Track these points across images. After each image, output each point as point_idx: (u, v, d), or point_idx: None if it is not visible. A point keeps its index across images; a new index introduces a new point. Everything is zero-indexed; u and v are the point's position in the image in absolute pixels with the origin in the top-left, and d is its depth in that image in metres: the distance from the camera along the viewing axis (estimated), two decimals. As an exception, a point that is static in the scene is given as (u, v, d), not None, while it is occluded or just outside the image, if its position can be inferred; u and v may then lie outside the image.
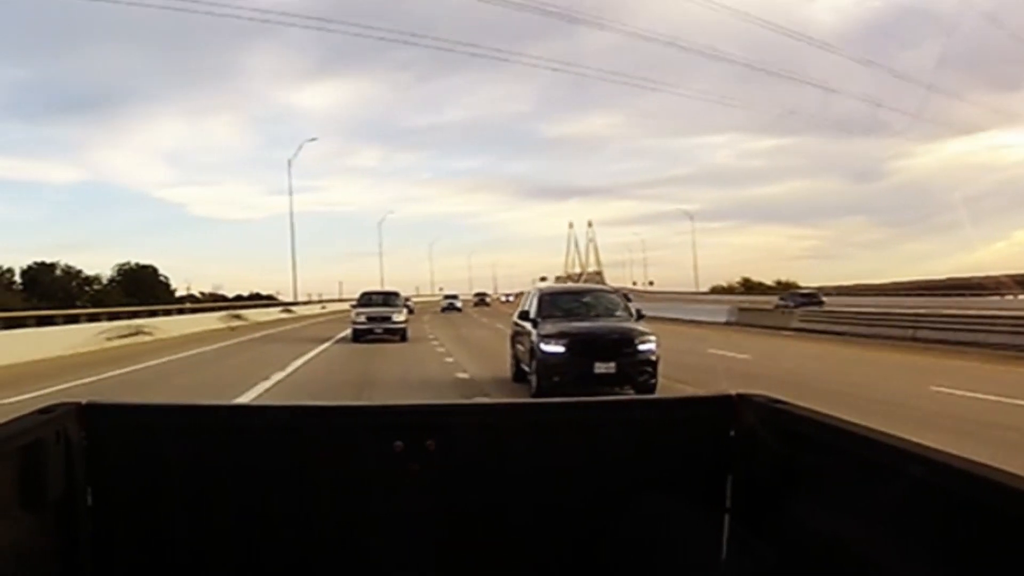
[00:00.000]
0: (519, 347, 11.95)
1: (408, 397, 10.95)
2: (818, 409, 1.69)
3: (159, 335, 26.05)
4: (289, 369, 15.24)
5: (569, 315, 11.47)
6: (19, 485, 1.59)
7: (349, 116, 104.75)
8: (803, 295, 39.01)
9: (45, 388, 11.73)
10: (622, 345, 10.30)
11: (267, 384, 12.97)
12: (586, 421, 2.02)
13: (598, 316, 11.56)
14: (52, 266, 55.53)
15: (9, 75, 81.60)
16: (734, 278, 73.91)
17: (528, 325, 11.21)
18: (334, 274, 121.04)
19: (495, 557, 1.88)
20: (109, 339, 23.19)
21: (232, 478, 1.89)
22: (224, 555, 1.88)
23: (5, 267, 53.05)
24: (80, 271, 57.18)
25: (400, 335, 22.60)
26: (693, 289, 72.85)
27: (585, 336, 10.54)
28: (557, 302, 12.06)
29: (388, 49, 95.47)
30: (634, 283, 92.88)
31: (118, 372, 15.73)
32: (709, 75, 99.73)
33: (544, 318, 11.15)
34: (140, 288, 54.94)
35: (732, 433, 1.85)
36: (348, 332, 23.24)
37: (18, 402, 10.94)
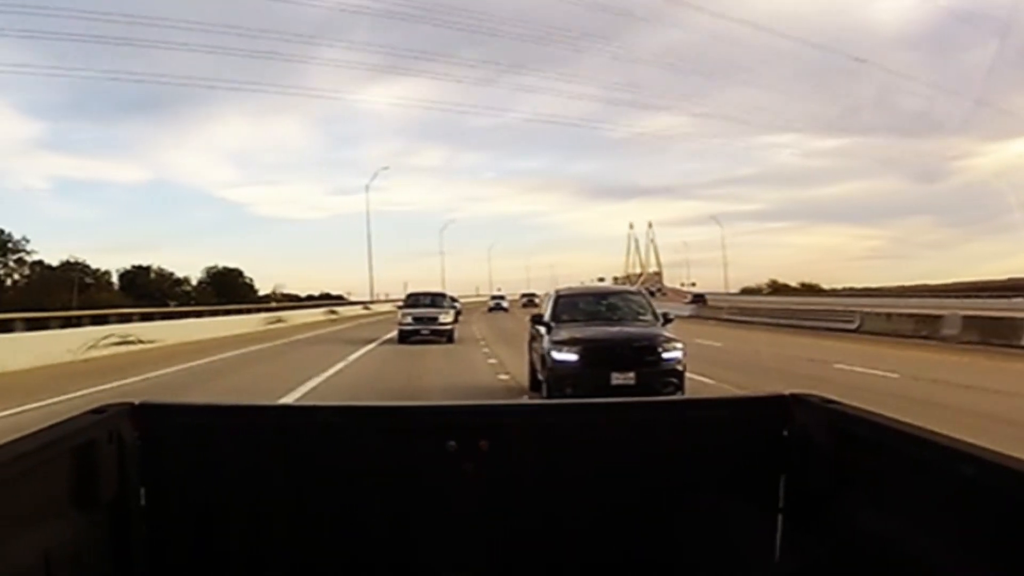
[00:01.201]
0: (534, 354, 10.91)
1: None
2: (869, 408, 1.69)
3: (291, 323, 37.73)
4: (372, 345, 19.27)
5: (587, 319, 10.54)
6: (73, 485, 1.59)
7: (414, 116, 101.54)
8: (696, 294, 54.17)
9: (222, 354, 18.62)
10: (643, 353, 9.26)
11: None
12: (640, 421, 2.02)
13: (619, 320, 10.52)
14: (147, 269, 61.39)
15: (75, 75, 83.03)
16: (797, 278, 74.02)
17: (542, 330, 10.34)
18: (399, 274, 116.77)
19: (548, 556, 1.89)
20: (269, 323, 34.79)
21: (284, 478, 1.90)
22: (276, 554, 1.89)
23: (103, 269, 58.45)
24: (172, 273, 62.78)
25: (447, 336, 22.16)
26: (723, 290, 73.83)
27: (601, 343, 9.53)
28: (574, 305, 11.01)
29: (454, 49, 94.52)
30: (681, 284, 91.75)
31: (276, 344, 23.01)
32: (773, 75, 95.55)
33: (559, 322, 10.26)
34: (228, 288, 60.07)
35: (785, 433, 1.84)
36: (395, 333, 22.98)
37: (218, 359, 17.66)
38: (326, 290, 70.00)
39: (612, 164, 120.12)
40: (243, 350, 21.09)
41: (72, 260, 55.12)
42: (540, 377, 10.24)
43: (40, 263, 53.86)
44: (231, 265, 66.56)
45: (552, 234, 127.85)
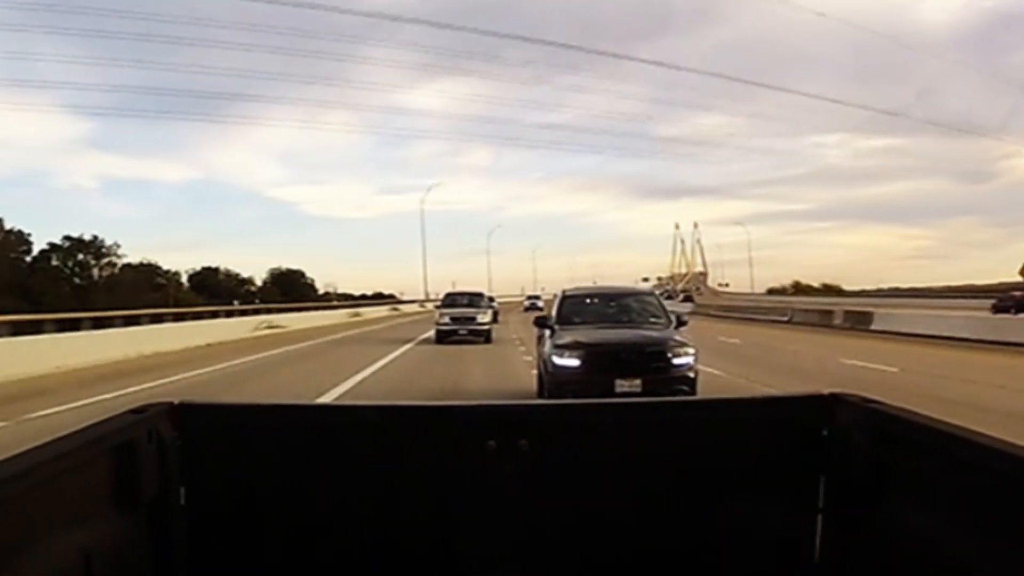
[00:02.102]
0: (540, 358, 10.19)
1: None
2: (910, 408, 1.69)
3: (365, 316, 47.61)
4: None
5: (593, 321, 9.92)
6: (113, 485, 1.60)
7: (462, 115, 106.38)
8: (687, 295, 64.83)
9: (346, 332, 26.56)
10: (651, 358, 8.55)
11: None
12: (679, 420, 2.02)
13: (628, 323, 9.84)
14: (216, 270, 69.98)
15: (125, 75, 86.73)
16: (843, 278, 77.30)
17: (546, 333, 9.75)
18: (446, 272, 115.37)
19: (588, 556, 1.89)
20: (351, 316, 44.53)
21: (324, 477, 1.92)
22: (316, 553, 1.90)
23: (173, 270, 65.92)
24: (239, 274, 71.19)
25: (484, 336, 22.10)
26: (749, 290, 79.38)
27: (605, 347, 8.80)
28: (580, 306, 10.45)
29: (503, 49, 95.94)
30: (719, 284, 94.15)
31: (373, 328, 31.26)
32: (821, 75, 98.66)
33: (563, 325, 9.68)
34: (291, 288, 67.90)
35: (825, 432, 1.84)
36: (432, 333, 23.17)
37: (342, 336, 25.16)
38: (376, 289, 77.01)
39: (659, 164, 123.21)
40: (355, 331, 29.86)
41: (145, 262, 63.61)
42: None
43: (129, 264, 63.02)
44: (283, 265, 74.49)
45: (598, 234, 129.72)
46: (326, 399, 10.51)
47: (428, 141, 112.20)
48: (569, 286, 12.55)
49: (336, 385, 12.58)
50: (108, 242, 62.86)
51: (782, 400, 2.32)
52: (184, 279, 67.88)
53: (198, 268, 69.28)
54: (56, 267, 61.06)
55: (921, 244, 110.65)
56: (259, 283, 72.71)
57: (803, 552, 1.85)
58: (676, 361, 8.59)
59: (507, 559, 1.89)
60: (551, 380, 8.75)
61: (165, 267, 65.94)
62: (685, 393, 8.36)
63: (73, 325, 22.72)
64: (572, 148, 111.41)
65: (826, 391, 1.90)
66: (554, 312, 10.34)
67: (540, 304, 52.55)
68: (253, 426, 2.02)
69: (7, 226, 57.07)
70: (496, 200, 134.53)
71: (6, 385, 12.96)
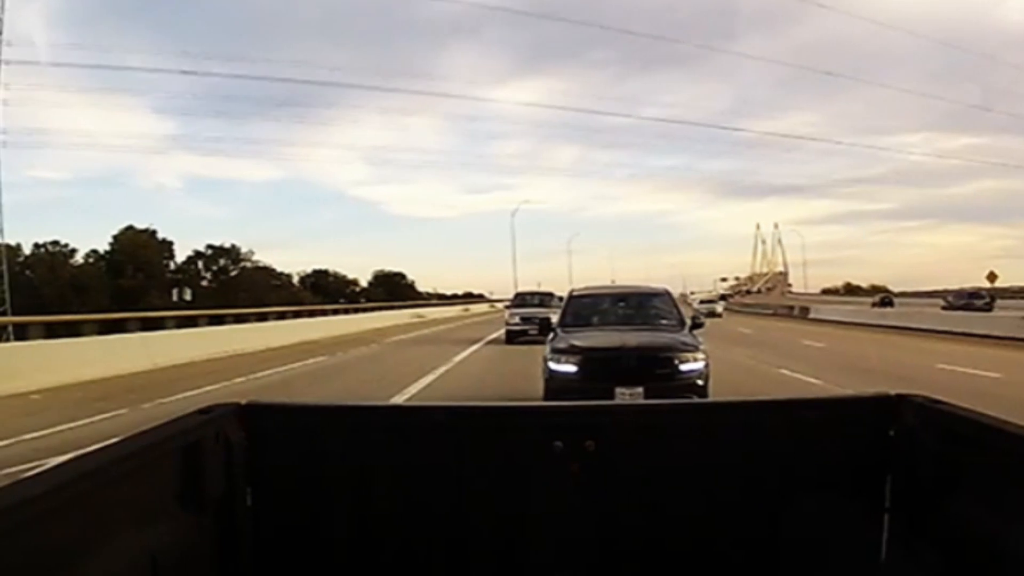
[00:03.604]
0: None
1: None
2: (973, 408, 1.68)
3: (472, 311, 53.88)
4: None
5: (599, 324, 9.20)
6: (180, 485, 1.62)
7: (546, 115, 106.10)
8: (722, 294, 72.61)
9: (473, 319, 37.15)
10: (655, 364, 7.70)
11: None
12: (744, 421, 2.02)
13: (636, 325, 8.94)
14: (326, 272, 77.18)
15: (209, 74, 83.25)
16: (926, 278, 79.86)
17: (550, 335, 8.92)
18: (529, 272, 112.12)
19: (654, 555, 1.89)
20: (464, 311, 51.14)
21: (391, 477, 1.92)
22: (383, 553, 1.91)
23: (287, 272, 73.30)
24: (346, 276, 78.26)
25: None
26: (805, 291, 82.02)
27: (605, 352, 7.98)
28: (587, 307, 9.67)
29: (587, 47, 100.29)
30: (788, 284, 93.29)
31: (491, 316, 39.74)
32: (905, 74, 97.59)
33: (567, 327, 8.95)
34: (395, 289, 74.80)
35: (891, 433, 1.84)
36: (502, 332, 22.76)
37: (471, 322, 35.87)
38: (464, 288, 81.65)
39: (745, 163, 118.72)
40: (480, 319, 38.39)
41: (262, 265, 71.52)
42: None
43: (259, 267, 71.81)
44: (383, 266, 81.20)
45: (680, 233, 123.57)
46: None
47: (512, 140, 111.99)
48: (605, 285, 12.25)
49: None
50: (244, 249, 71.38)
51: (849, 400, 2.37)
52: (295, 280, 75.36)
53: (309, 270, 76.89)
54: (198, 271, 70.08)
55: (1004, 244, 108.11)
56: (364, 284, 79.68)
57: (870, 552, 1.83)
58: (683, 367, 7.72)
59: (573, 558, 1.90)
60: (547, 387, 7.95)
61: (278, 269, 73.40)
62: None
63: (240, 319, 26.69)
64: (658, 146, 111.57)
65: (892, 391, 1.89)
66: (560, 313, 9.76)
67: None
68: (319, 426, 2.03)
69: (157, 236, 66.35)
70: (580, 200, 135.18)
71: (246, 354, 18.75)
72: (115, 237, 63.01)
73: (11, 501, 1.16)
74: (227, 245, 71.29)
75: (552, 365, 7.98)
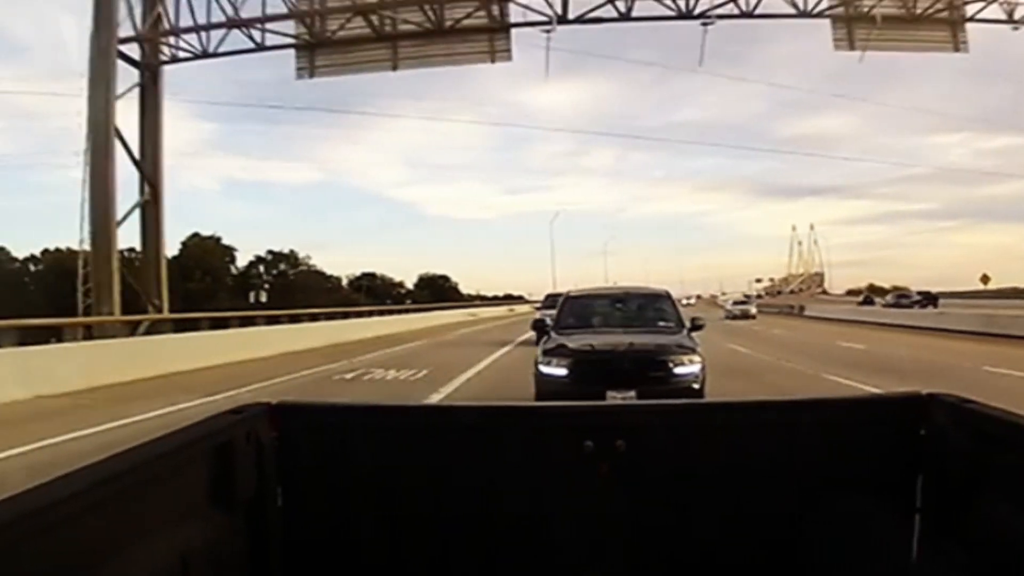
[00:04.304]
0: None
1: None
2: (1005, 407, 1.67)
3: (517, 311, 57.29)
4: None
5: (593, 326, 9.02)
6: (211, 485, 1.62)
7: (585, 116, 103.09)
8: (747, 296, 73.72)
9: (520, 317, 41.08)
10: (648, 367, 7.52)
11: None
12: (775, 421, 2.01)
13: (632, 327, 8.78)
14: (373, 275, 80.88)
15: (253, 76, 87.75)
16: (965, 277, 79.98)
17: (544, 338, 8.74)
18: (568, 272, 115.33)
19: (684, 555, 1.89)
20: (510, 310, 54.78)
21: (421, 477, 1.93)
22: (413, 554, 1.92)
23: (336, 275, 76.76)
24: (392, 278, 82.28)
25: None
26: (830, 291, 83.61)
27: (596, 355, 7.87)
28: (582, 309, 9.50)
29: (625, 50, 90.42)
30: (818, 285, 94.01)
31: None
32: (943, 74, 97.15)
33: (560, 329, 8.77)
34: (440, 291, 78.01)
35: (922, 432, 1.84)
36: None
37: (519, 319, 39.58)
38: (504, 290, 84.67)
39: (782, 164, 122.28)
40: (521, 318, 41.32)
41: (314, 269, 75.37)
42: None
43: (312, 271, 76.22)
44: (429, 268, 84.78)
45: (717, 234, 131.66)
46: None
47: (551, 142, 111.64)
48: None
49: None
50: (301, 254, 75.94)
51: (879, 400, 2.35)
52: (344, 282, 79.23)
53: (357, 273, 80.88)
54: (259, 274, 74.97)
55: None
56: (409, 286, 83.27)
57: (901, 551, 1.82)
58: (678, 370, 7.56)
59: (603, 558, 1.89)
60: (537, 390, 7.81)
61: (328, 272, 76.95)
62: None
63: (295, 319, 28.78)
64: (695, 148, 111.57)
65: (924, 391, 1.88)
66: (555, 315, 9.49)
67: (684, 302, 58.09)
68: (350, 426, 2.03)
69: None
70: (618, 200, 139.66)
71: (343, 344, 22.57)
72: (183, 243, 67.72)
73: (45, 500, 1.16)
74: (285, 251, 76.19)
75: (543, 368, 7.80)
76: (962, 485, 1.69)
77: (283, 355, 18.72)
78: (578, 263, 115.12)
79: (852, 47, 19.44)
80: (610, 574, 1.91)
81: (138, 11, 19.59)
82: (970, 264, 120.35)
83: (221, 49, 19.69)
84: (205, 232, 68.35)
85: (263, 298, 54.95)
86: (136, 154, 20.14)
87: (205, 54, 19.82)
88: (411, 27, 19.23)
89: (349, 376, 14.63)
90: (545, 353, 7.96)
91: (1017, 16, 19.59)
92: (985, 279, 47.94)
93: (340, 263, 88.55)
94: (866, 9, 19.04)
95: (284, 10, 19.19)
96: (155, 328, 18.39)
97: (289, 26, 19.62)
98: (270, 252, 75.72)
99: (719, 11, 18.93)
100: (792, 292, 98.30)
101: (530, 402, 2.71)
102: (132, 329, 17.97)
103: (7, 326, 13.36)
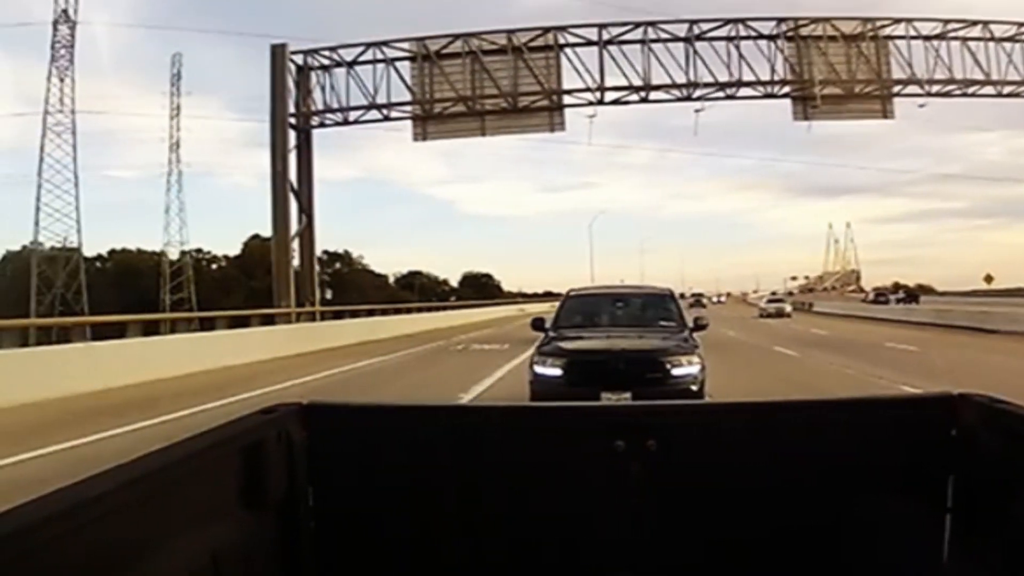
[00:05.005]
0: None
1: None
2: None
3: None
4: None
5: (592, 325, 8.97)
6: (242, 485, 1.62)
7: (623, 114, 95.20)
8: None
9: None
10: (644, 368, 7.42)
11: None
12: (806, 421, 2.01)
13: (631, 327, 8.73)
14: (419, 273, 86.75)
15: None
16: (1000, 277, 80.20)
17: (541, 337, 8.60)
18: (607, 270, 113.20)
19: (715, 556, 1.88)
20: (551, 306, 62.03)
21: (452, 477, 1.93)
22: (444, 555, 1.92)
23: (383, 273, 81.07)
24: (437, 276, 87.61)
25: None
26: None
27: (591, 355, 7.86)
28: (582, 308, 9.41)
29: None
30: (852, 287, 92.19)
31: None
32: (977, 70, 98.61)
33: (559, 329, 8.68)
34: (483, 288, 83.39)
35: (953, 433, 1.83)
36: None
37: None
38: (544, 287, 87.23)
39: (820, 162, 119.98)
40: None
41: (364, 268, 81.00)
42: None
43: (365, 269, 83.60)
44: (472, 267, 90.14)
45: (755, 232, 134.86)
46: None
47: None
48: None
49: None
50: (355, 254, 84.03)
51: (909, 400, 2.37)
52: (391, 280, 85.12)
53: (403, 271, 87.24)
54: (319, 272, 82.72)
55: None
56: (453, 284, 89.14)
57: (932, 553, 1.82)
58: (675, 371, 7.36)
59: (633, 559, 1.88)
60: (531, 391, 7.64)
61: (377, 271, 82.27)
62: None
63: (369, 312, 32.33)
64: (733, 147, 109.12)
65: (955, 391, 1.88)
66: (554, 314, 9.26)
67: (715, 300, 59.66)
68: (381, 426, 2.04)
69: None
70: (657, 198, 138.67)
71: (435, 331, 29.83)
72: (244, 244, 73.08)
73: (76, 500, 1.17)
74: (340, 251, 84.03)
75: (537, 368, 7.70)
76: (994, 486, 1.67)
77: (404, 335, 25.62)
78: (616, 260, 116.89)
79: (806, 118, 27.10)
80: (641, 574, 1.88)
81: (293, 92, 27.86)
82: (1004, 262, 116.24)
83: (354, 118, 27.99)
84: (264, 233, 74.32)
85: (328, 295, 61.81)
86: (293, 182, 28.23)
87: (346, 122, 28.21)
88: (494, 107, 27.30)
89: (459, 348, 21.72)
90: (540, 353, 7.88)
91: (934, 90, 27.09)
92: (988, 279, 50.80)
93: (381, 261, 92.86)
94: (816, 90, 26.62)
95: (408, 96, 27.36)
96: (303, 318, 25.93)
97: (407, 104, 27.83)
98: (325, 252, 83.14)
99: (709, 93, 26.73)
100: (825, 290, 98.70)
101: (560, 403, 2.85)
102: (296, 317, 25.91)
103: (253, 315, 21.72)
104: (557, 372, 7.60)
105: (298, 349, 19.34)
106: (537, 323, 9.08)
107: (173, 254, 63.83)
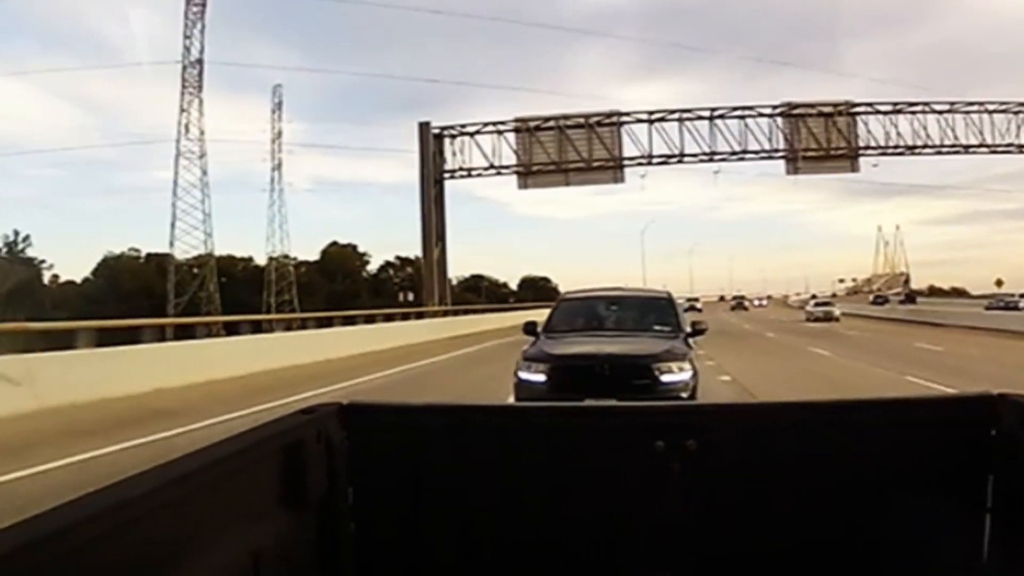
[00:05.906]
0: None
1: None
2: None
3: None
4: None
5: (583, 329, 8.70)
6: (282, 485, 1.63)
7: (676, 113, 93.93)
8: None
9: None
10: (632, 374, 7.20)
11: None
12: (843, 421, 2.01)
13: (622, 331, 8.54)
14: (481, 276, 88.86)
15: (340, 78, 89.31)
16: None
17: (531, 340, 8.45)
18: (659, 273, 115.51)
19: (754, 557, 1.88)
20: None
21: (492, 478, 1.94)
22: (485, 555, 1.93)
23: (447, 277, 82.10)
24: (497, 280, 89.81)
25: None
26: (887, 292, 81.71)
27: (576, 361, 7.54)
28: (575, 311, 9.22)
29: (712, 49, 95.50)
30: (896, 289, 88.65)
31: None
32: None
33: (550, 333, 8.49)
34: (541, 292, 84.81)
35: (993, 432, 1.83)
36: None
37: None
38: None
39: (870, 162, 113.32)
40: None
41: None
42: None
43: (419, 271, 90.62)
44: (532, 271, 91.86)
45: (805, 234, 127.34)
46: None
47: (639, 140, 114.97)
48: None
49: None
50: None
51: (949, 400, 2.39)
52: (454, 282, 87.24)
53: (466, 275, 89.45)
54: (390, 276, 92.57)
55: None
56: (513, 287, 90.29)
57: (971, 553, 1.82)
58: (665, 378, 7.15)
59: (673, 559, 1.89)
60: (516, 397, 7.51)
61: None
62: None
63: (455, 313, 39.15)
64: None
65: (994, 391, 1.88)
66: (546, 318, 9.05)
67: (699, 306, 59.67)
68: (421, 426, 2.05)
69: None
70: (710, 199, 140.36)
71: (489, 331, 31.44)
72: (323, 251, 76.13)
73: (115, 500, 1.17)
74: (412, 256, 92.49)
75: (521, 373, 7.58)
76: None
77: (497, 329, 29.74)
78: (669, 262, 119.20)
79: (796, 173, 38.94)
80: (681, 574, 1.89)
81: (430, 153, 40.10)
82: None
83: (476, 173, 40.35)
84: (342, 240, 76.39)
85: (411, 297, 69.95)
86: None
87: (468, 175, 40.92)
88: (575, 166, 39.82)
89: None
90: (526, 358, 7.74)
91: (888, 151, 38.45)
92: (999, 283, 53.80)
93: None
94: (800, 151, 38.35)
95: (514, 160, 40.12)
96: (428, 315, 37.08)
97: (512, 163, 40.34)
98: (397, 257, 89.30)
99: (723, 156, 38.85)
100: (870, 292, 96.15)
101: (600, 402, 2.68)
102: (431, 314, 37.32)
103: (391, 313, 33.27)
104: (541, 378, 7.41)
105: (444, 334, 27.77)
106: (529, 327, 8.66)
107: (260, 259, 69.00)
